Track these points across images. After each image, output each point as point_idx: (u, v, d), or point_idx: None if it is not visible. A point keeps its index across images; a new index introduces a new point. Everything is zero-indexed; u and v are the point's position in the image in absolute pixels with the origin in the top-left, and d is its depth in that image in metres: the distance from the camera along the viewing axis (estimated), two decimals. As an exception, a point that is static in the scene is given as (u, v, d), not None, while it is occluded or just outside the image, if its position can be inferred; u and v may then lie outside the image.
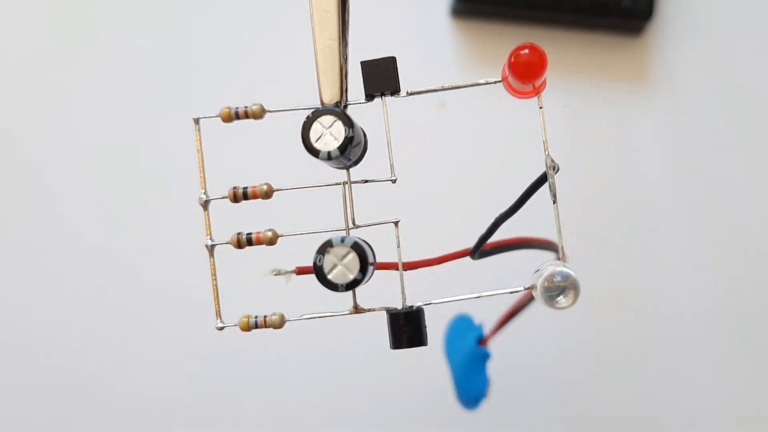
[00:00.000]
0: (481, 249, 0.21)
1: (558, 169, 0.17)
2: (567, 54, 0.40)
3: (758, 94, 0.41)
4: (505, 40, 0.40)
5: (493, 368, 0.30)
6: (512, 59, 0.16)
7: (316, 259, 0.17)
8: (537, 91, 0.17)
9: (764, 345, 0.39)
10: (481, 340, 0.29)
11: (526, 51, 0.16)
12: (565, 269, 0.17)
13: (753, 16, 0.41)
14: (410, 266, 0.21)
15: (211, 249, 0.19)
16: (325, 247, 0.17)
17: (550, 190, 0.17)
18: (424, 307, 0.18)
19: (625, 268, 0.39)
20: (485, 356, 0.29)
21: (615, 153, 0.40)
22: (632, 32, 0.41)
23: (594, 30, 0.41)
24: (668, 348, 0.38)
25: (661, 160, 0.40)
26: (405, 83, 0.19)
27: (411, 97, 0.19)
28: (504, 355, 0.30)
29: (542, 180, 0.17)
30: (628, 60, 0.41)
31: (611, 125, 0.40)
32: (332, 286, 0.17)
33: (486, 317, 0.30)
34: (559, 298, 0.17)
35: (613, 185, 0.40)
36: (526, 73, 0.16)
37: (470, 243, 0.25)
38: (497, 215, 0.19)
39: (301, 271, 0.21)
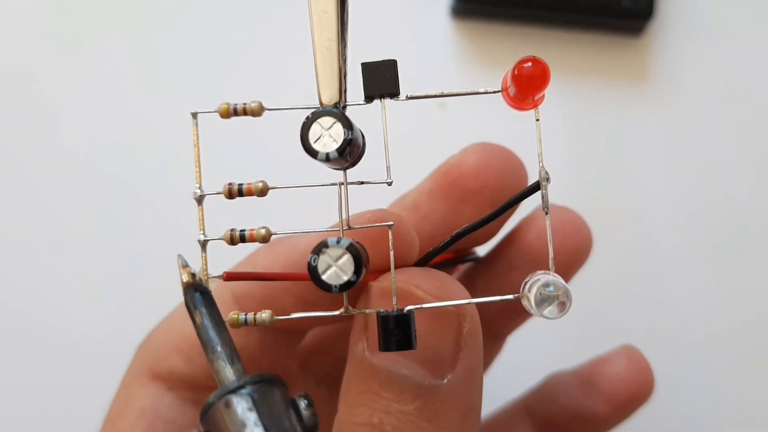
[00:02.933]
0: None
1: (550, 181, 0.17)
2: (567, 54, 0.40)
3: (758, 94, 0.41)
4: (505, 40, 0.40)
5: (492, 369, 0.31)
6: (515, 72, 0.16)
7: (310, 259, 0.17)
8: (535, 105, 0.17)
9: (765, 345, 0.39)
10: None
11: (529, 64, 0.16)
12: (556, 279, 0.17)
13: (753, 16, 0.42)
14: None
15: (203, 244, 0.19)
16: (320, 248, 0.17)
17: (543, 202, 0.17)
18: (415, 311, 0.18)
19: (625, 268, 0.39)
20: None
21: (615, 153, 0.40)
22: (632, 32, 0.41)
23: (594, 30, 0.41)
24: (668, 347, 0.38)
25: (661, 159, 0.40)
26: (404, 83, 0.18)
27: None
28: (503, 356, 0.31)
29: (534, 189, 0.17)
30: (628, 60, 0.41)
31: (611, 125, 0.40)
32: (326, 286, 0.17)
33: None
34: (550, 308, 0.17)
35: (613, 185, 0.40)
36: (528, 86, 0.16)
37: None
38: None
39: (229, 276, 0.20)
